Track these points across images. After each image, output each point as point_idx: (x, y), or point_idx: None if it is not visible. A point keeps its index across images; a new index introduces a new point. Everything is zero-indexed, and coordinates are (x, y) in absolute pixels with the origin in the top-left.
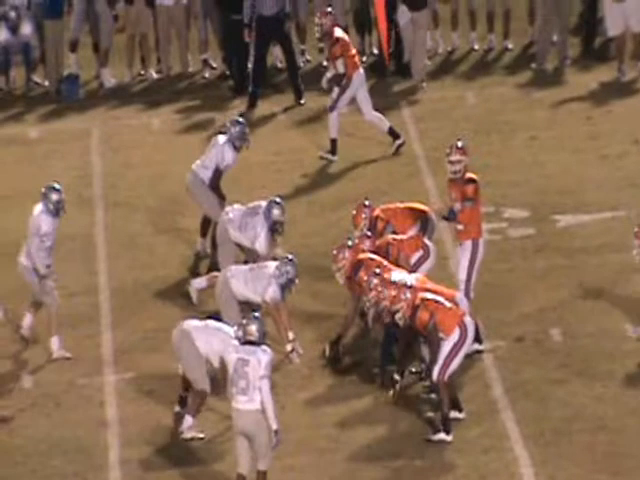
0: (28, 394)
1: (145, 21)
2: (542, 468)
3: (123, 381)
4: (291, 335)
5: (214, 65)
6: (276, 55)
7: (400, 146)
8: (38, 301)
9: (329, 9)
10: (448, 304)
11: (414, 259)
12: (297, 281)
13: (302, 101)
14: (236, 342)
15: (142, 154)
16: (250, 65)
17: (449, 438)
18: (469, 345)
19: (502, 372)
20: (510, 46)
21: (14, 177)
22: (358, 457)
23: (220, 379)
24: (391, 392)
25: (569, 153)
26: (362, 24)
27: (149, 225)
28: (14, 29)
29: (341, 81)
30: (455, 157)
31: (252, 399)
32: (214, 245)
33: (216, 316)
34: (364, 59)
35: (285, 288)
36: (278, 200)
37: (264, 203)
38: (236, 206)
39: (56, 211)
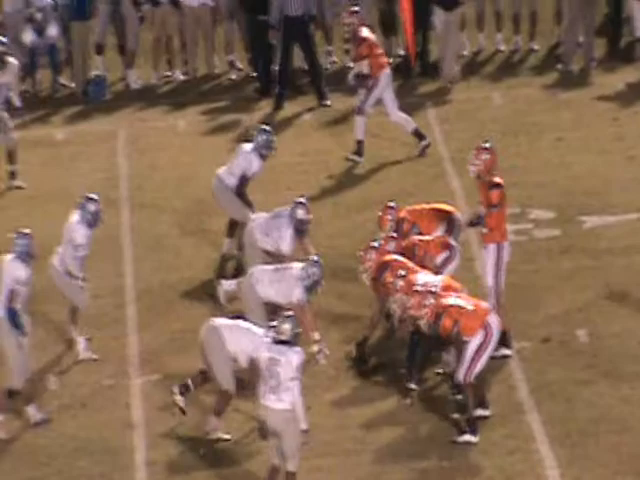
0: (54, 395)
1: (171, 22)
2: (568, 469)
3: (149, 383)
4: (317, 336)
5: (240, 66)
6: (302, 57)
7: (426, 147)
8: (73, 310)
9: (356, 8)
10: (470, 306)
11: (440, 260)
12: (323, 283)
13: (327, 102)
14: (265, 343)
15: (168, 156)
16: (276, 66)
17: (475, 439)
18: (494, 344)
19: (528, 373)
20: (536, 47)
21: (40, 179)
22: (384, 459)
23: (247, 380)
24: (408, 401)
25: (595, 154)
26: (388, 25)
27: (175, 227)
28: (40, 31)
29: (367, 82)
30: (472, 159)
31: (281, 399)
32: (241, 247)
33: (244, 316)
34: (390, 60)
35: (311, 290)
36: (303, 200)
37: (288, 207)
38: (262, 214)
39: (93, 222)
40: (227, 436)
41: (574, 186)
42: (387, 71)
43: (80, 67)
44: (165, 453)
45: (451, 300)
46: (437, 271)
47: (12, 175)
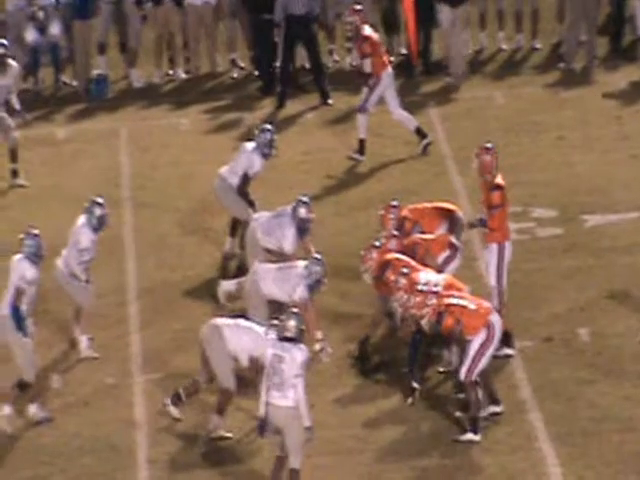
0: (57, 394)
1: (173, 21)
2: (570, 468)
3: (151, 381)
4: (319, 334)
5: (242, 65)
6: (304, 56)
7: (427, 145)
8: (77, 310)
9: (358, 6)
10: (473, 305)
11: (441, 259)
12: (325, 281)
13: (330, 101)
14: (269, 340)
15: (171, 154)
16: (278, 65)
17: (477, 438)
18: (496, 343)
19: (530, 372)
20: (538, 46)
21: (42, 177)
22: (385, 457)
23: (248, 378)
24: (409, 400)
25: (598, 153)
26: (390, 23)
27: (178, 225)
28: (42, 29)
29: (369, 81)
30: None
31: (285, 396)
32: (243, 246)
33: (245, 316)
34: (392, 59)
35: (313, 288)
36: (305, 199)
37: (290, 207)
38: (264, 213)
39: (99, 226)
40: (229, 434)
41: (576, 185)
42: (389, 70)
43: (82, 65)
44: (167, 451)
45: (453, 299)
46: (439, 270)
47: (14, 174)
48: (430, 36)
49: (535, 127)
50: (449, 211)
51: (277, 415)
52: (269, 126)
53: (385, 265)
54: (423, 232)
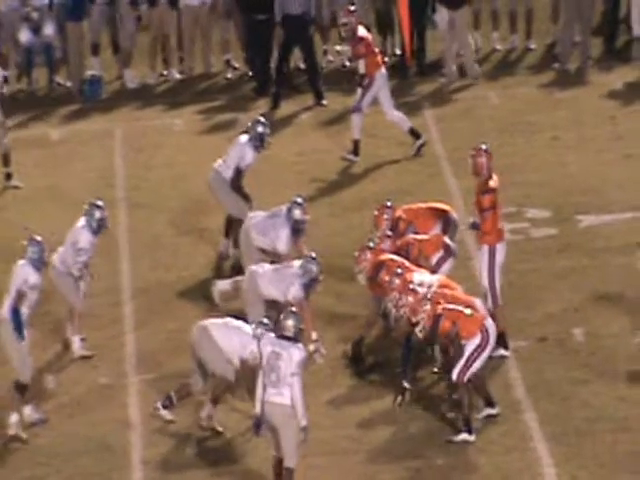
0: (52, 394)
1: (168, 23)
2: (564, 468)
3: (146, 382)
4: (314, 335)
5: (236, 65)
6: (299, 56)
7: (422, 146)
8: (71, 310)
9: (353, 7)
10: (468, 311)
11: (435, 259)
12: (320, 278)
13: (324, 102)
14: (262, 337)
15: (165, 155)
16: (273, 65)
17: (472, 438)
18: (491, 348)
19: (524, 372)
20: (532, 46)
21: (37, 178)
22: (380, 457)
23: (239, 379)
24: (399, 399)
25: (592, 153)
26: (384, 24)
27: (172, 226)
28: (36, 30)
29: (363, 81)
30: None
31: (281, 393)
32: (236, 244)
33: (238, 316)
34: (386, 59)
35: (308, 287)
36: (299, 200)
37: (285, 207)
38: (259, 212)
39: (98, 228)
40: (220, 429)
41: (571, 185)
42: (383, 71)
43: (76, 66)
44: (162, 452)
45: (448, 305)
46: (433, 270)
47: (7, 177)
48: (424, 37)
49: (529, 127)
50: (443, 211)
51: (273, 413)
52: (262, 119)
53: (379, 266)
54: (417, 232)
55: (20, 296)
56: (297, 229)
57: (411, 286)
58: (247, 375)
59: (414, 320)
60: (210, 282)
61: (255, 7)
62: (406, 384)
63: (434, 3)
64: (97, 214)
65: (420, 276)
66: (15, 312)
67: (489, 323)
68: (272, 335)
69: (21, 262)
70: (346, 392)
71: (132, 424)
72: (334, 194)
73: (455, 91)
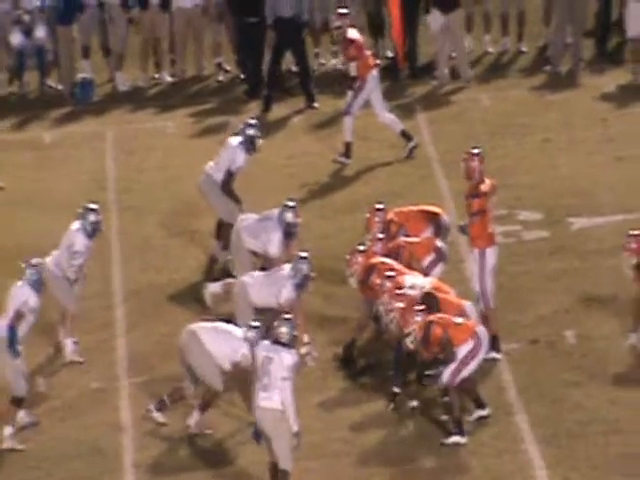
0: (43, 398)
1: (160, 25)
2: (556, 470)
3: (137, 385)
4: (306, 338)
5: (228, 68)
6: (290, 59)
7: (413, 148)
8: (63, 313)
9: (345, 10)
10: (459, 320)
11: (426, 262)
12: (312, 275)
13: (315, 104)
14: (252, 340)
15: (156, 158)
16: (264, 68)
17: (463, 440)
18: (483, 355)
19: (516, 374)
20: (524, 49)
21: (28, 180)
22: (372, 460)
23: (231, 383)
24: (391, 405)
25: (583, 155)
26: (376, 27)
27: (163, 228)
28: (28, 33)
29: (354, 84)
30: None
31: (271, 397)
32: (226, 247)
33: (228, 319)
34: (378, 62)
35: (301, 287)
36: (291, 203)
37: (277, 210)
38: (251, 215)
39: (92, 232)
40: (209, 431)
41: (562, 187)
42: (375, 73)
43: (67, 69)
44: (153, 455)
45: (439, 314)
46: (425, 273)
47: None
48: (416, 39)
49: (521, 130)
50: (434, 214)
51: (264, 418)
52: (253, 121)
53: (370, 269)
54: (408, 235)
55: (19, 317)
56: (289, 232)
57: (401, 291)
58: (240, 378)
59: (405, 331)
60: (201, 285)
61: (247, 10)
62: (396, 389)
63: (427, 5)
64: (91, 217)
65: (412, 279)
66: (12, 330)
67: (481, 330)
68: (267, 342)
69: (19, 283)
70: (337, 395)
71: (124, 427)
72: (325, 197)
73: (447, 94)
